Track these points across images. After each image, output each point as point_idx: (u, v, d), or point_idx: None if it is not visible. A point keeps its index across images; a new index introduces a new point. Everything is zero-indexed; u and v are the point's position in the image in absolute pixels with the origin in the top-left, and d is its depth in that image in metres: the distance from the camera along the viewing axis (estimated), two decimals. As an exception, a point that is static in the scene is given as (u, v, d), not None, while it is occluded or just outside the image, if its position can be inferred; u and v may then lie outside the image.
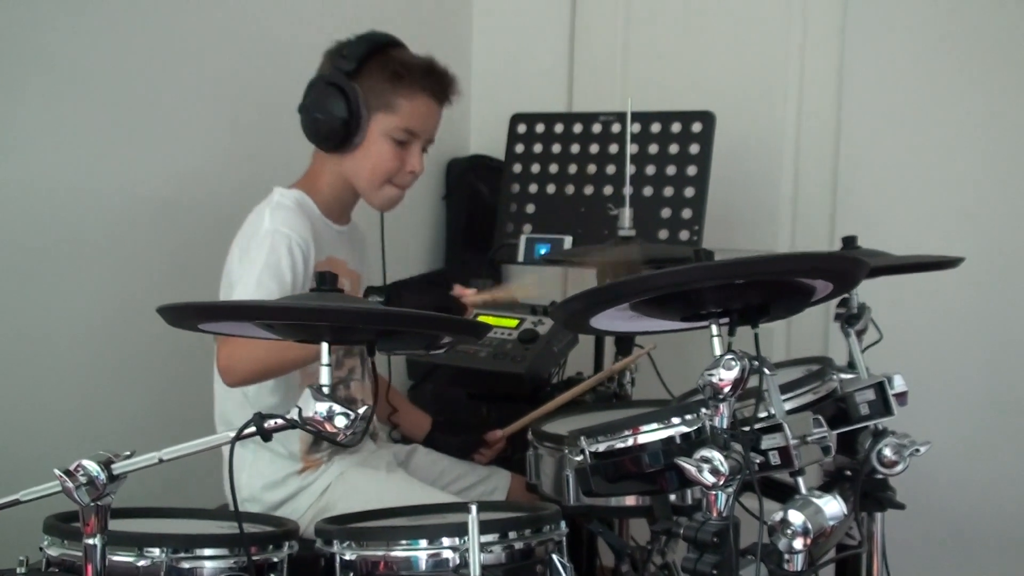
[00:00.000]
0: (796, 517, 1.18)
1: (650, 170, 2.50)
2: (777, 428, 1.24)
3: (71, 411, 2.01)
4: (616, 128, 2.55)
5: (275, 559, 1.42)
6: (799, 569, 1.21)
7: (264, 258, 1.74)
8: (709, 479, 1.17)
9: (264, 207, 1.83)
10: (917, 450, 1.54)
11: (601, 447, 1.42)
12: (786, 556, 1.21)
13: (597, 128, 2.59)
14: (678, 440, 1.36)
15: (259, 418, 1.17)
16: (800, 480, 1.26)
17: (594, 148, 2.60)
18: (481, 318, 2.31)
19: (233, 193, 1.87)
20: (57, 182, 1.98)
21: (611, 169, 2.55)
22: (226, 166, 2.29)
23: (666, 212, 2.46)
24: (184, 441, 1.22)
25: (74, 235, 2.02)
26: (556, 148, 2.65)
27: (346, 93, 1.82)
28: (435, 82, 1.89)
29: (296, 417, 1.14)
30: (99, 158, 2.06)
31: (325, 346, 1.15)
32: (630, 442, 1.39)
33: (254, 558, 1.37)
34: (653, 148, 2.51)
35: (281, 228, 1.77)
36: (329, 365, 1.16)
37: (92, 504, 1.18)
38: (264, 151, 2.02)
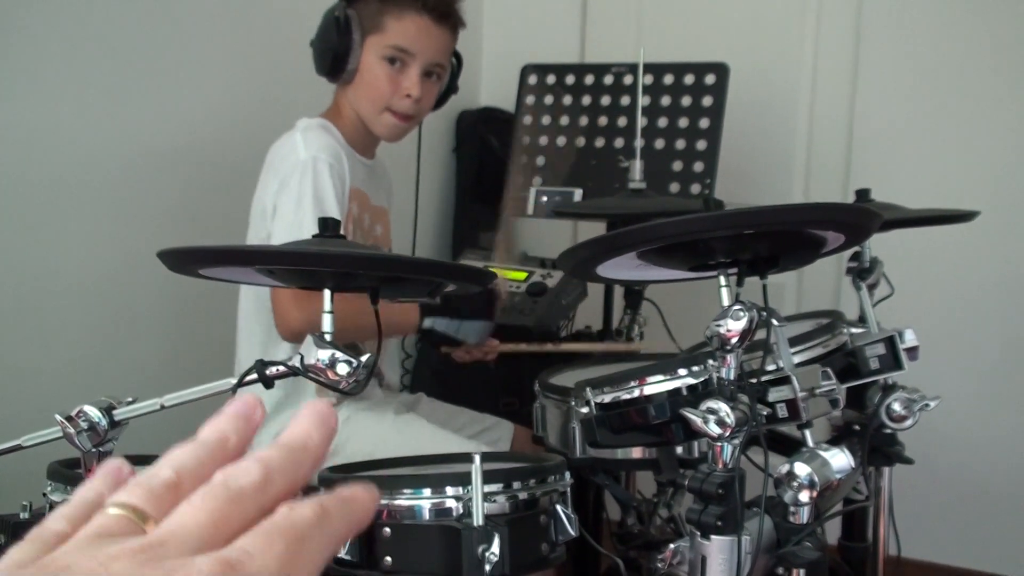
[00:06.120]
0: (802, 469, 1.17)
1: (662, 122, 2.45)
2: (785, 380, 1.22)
3: (76, 358, 2.01)
4: (628, 80, 2.50)
5: (279, 507, 1.42)
6: (805, 522, 1.21)
7: (308, 189, 1.73)
8: (715, 430, 1.16)
9: (294, 134, 1.82)
10: (927, 405, 1.52)
11: (607, 398, 1.41)
12: (792, 509, 1.20)
13: (609, 79, 2.55)
14: (684, 392, 1.35)
15: (260, 365, 1.16)
16: (807, 433, 1.25)
17: (606, 100, 2.55)
18: (491, 269, 2.30)
19: (243, 137, 1.86)
20: (62, 127, 1.96)
21: (622, 121, 2.51)
22: (234, 109, 2.26)
23: (678, 165, 2.42)
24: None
25: (80, 180, 2.00)
26: (567, 100, 2.61)
27: (339, 19, 1.81)
28: None
29: (298, 364, 1.14)
30: (104, 104, 2.04)
31: (327, 292, 1.13)
32: (636, 393, 1.38)
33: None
34: (665, 100, 2.47)
35: (319, 154, 1.77)
36: (331, 312, 1.14)
37: (94, 450, 1.17)
38: (277, 92, 1.99)
